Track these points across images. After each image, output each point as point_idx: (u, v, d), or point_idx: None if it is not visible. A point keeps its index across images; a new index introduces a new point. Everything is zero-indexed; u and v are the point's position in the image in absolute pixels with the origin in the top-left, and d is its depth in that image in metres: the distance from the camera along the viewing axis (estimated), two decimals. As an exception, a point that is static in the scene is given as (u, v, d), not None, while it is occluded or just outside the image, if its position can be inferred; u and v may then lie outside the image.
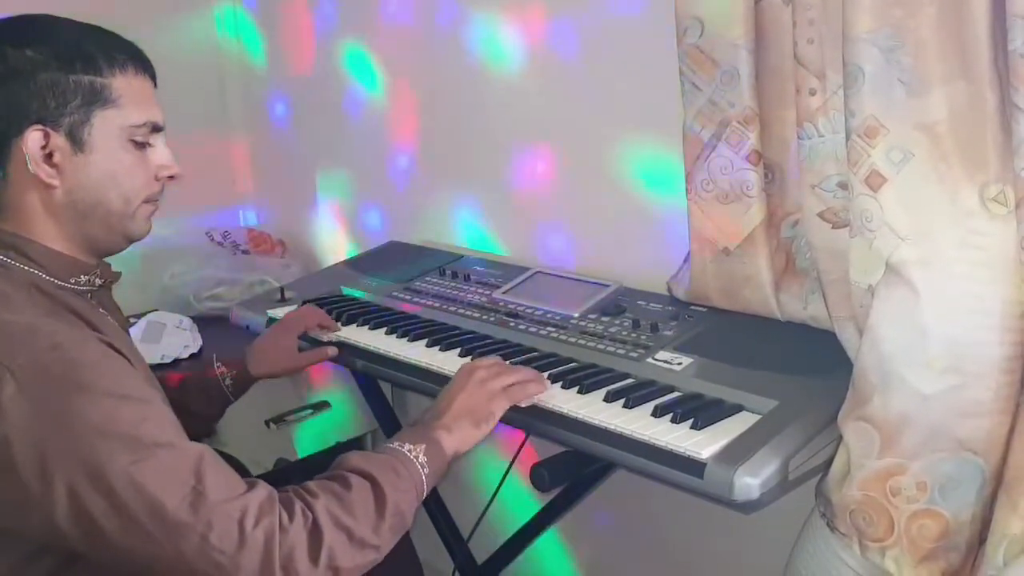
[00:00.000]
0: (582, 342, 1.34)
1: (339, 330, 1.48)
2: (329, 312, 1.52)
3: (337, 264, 1.90)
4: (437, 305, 1.56)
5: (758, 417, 1.07)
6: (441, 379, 1.23)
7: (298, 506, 0.89)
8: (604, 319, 1.40)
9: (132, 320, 1.79)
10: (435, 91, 1.89)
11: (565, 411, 1.13)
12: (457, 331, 1.44)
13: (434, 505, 1.75)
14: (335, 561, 0.88)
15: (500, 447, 1.74)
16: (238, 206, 2.44)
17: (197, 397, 1.35)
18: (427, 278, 1.68)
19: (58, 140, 0.96)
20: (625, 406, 1.12)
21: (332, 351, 1.42)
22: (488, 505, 1.51)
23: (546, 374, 1.22)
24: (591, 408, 1.13)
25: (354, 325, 1.51)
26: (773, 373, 1.15)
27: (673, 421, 1.07)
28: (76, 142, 0.97)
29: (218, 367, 1.37)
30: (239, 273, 2.10)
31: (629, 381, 1.21)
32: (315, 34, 2.14)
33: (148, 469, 0.84)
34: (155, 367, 1.65)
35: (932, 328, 0.96)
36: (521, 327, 1.42)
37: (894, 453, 1.00)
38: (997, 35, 0.90)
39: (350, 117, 2.10)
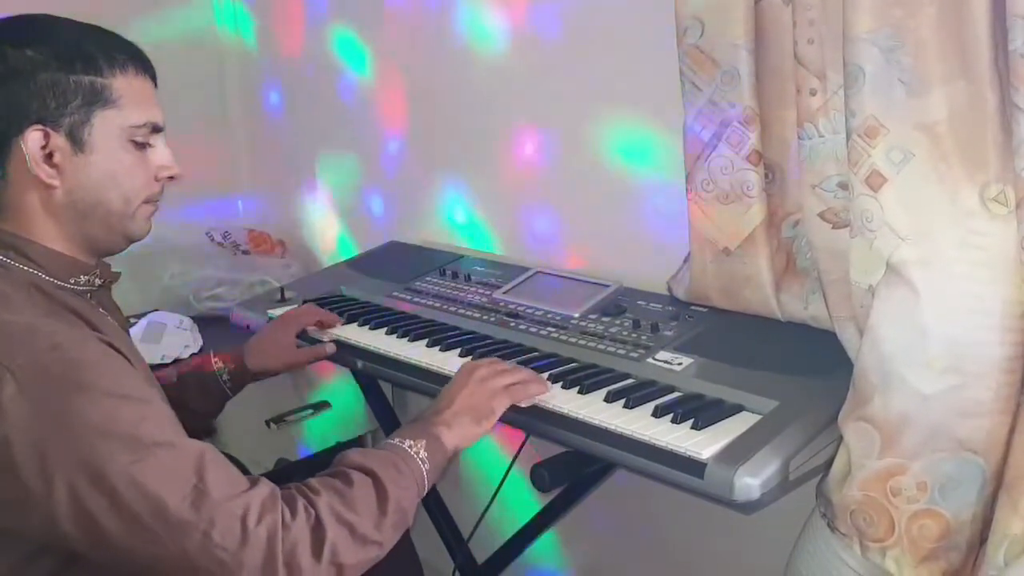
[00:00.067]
0: (582, 342, 1.34)
1: (341, 323, 1.47)
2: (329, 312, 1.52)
3: (337, 264, 1.90)
4: (437, 305, 1.56)
5: (759, 417, 1.07)
6: (441, 379, 1.24)
7: (300, 503, 0.89)
8: (604, 319, 1.40)
9: (132, 320, 1.79)
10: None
11: (566, 411, 1.13)
12: (457, 331, 1.44)
13: (434, 505, 1.75)
14: (338, 557, 0.88)
15: (501, 447, 1.74)
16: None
17: (195, 393, 1.35)
18: (427, 278, 1.68)
19: (58, 140, 0.96)
20: (625, 406, 1.12)
21: (331, 348, 1.42)
22: (488, 505, 1.51)
23: (546, 374, 1.22)
24: (592, 408, 1.13)
25: (354, 325, 1.51)
26: (773, 373, 1.15)
27: (673, 421, 1.07)
28: (76, 142, 0.97)
29: (216, 361, 1.36)
30: (239, 273, 2.09)
31: (629, 381, 1.21)
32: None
33: (149, 468, 0.84)
34: (155, 367, 1.65)
35: (932, 328, 0.96)
36: (521, 327, 1.42)
37: (894, 453, 1.00)
38: (997, 35, 0.90)
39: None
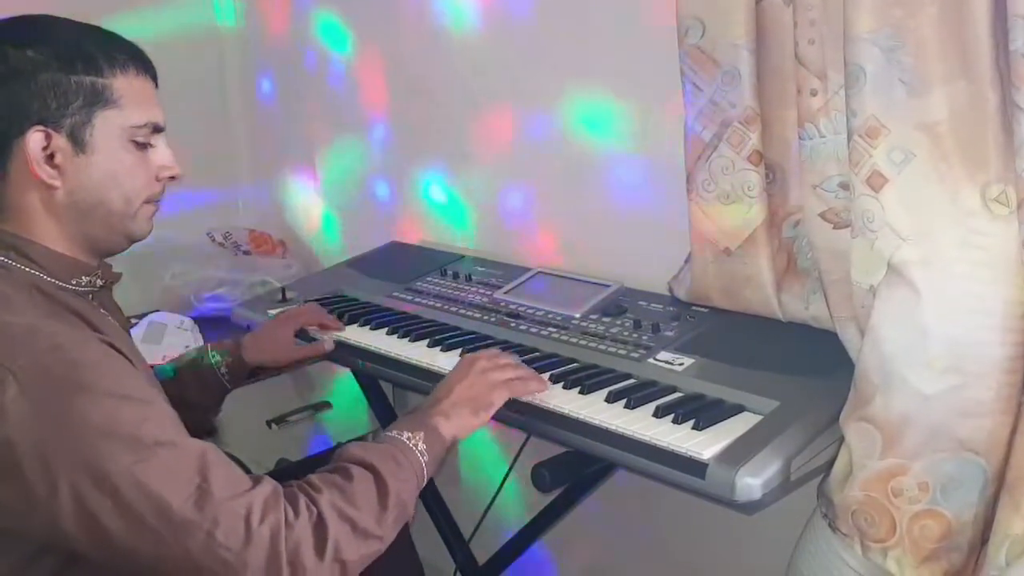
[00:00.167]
0: (583, 342, 1.34)
1: (342, 330, 1.48)
2: (330, 312, 1.52)
3: (338, 264, 1.90)
4: (438, 305, 1.56)
5: (760, 418, 1.07)
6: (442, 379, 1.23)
7: (302, 501, 0.89)
8: (605, 319, 1.40)
9: (133, 320, 1.79)
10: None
11: (566, 411, 1.13)
12: (458, 331, 1.44)
13: (435, 505, 1.75)
14: (340, 554, 0.88)
15: (501, 447, 1.74)
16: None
17: (194, 386, 1.34)
18: (428, 278, 1.68)
19: (59, 141, 0.96)
20: (627, 407, 1.12)
21: (329, 346, 1.42)
22: (489, 505, 1.51)
23: (547, 374, 1.22)
24: (592, 408, 1.13)
25: (355, 325, 1.51)
26: (774, 373, 1.15)
27: (675, 422, 1.07)
28: (77, 143, 0.96)
29: (213, 355, 1.36)
30: (240, 273, 2.09)
31: (631, 381, 1.21)
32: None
33: (152, 468, 0.84)
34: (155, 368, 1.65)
35: (933, 328, 0.96)
36: (522, 327, 1.42)
37: (896, 453, 1.00)
38: (998, 35, 0.90)
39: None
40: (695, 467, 0.99)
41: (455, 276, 1.67)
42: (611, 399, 1.14)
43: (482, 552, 1.71)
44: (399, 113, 1.98)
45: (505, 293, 1.55)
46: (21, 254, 0.97)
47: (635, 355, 1.27)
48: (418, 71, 1.89)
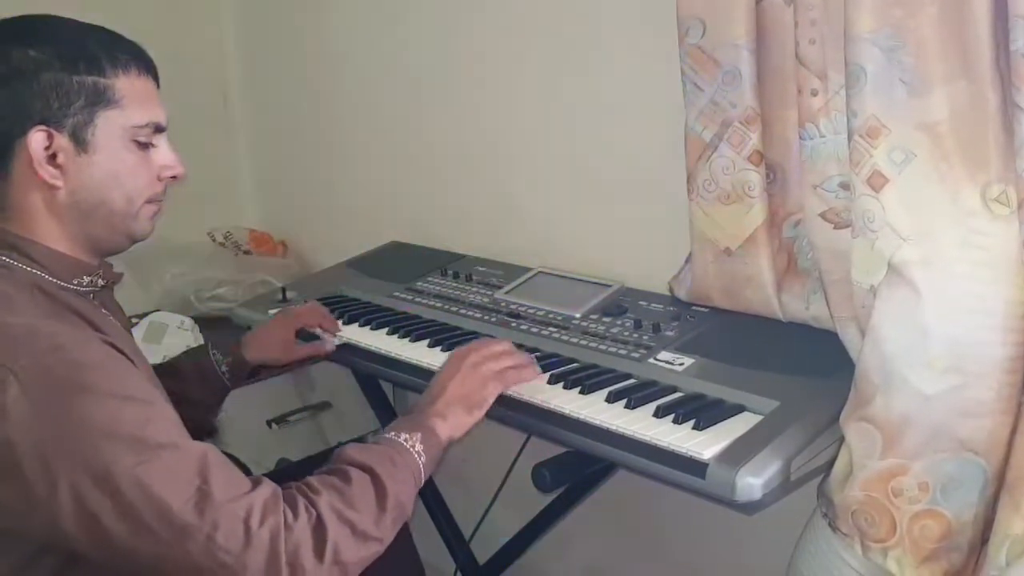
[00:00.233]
0: (584, 342, 1.34)
1: (339, 330, 1.48)
2: (331, 312, 1.52)
3: (338, 264, 1.90)
4: (439, 305, 1.56)
5: (760, 417, 1.07)
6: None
7: (302, 503, 0.89)
8: (606, 319, 1.40)
9: (134, 320, 1.79)
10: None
11: (567, 412, 1.13)
12: (459, 331, 1.44)
13: (436, 505, 1.75)
14: (340, 556, 0.88)
15: (501, 447, 1.74)
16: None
17: (194, 383, 1.34)
18: (428, 278, 1.68)
19: (62, 141, 0.96)
20: (627, 407, 1.12)
21: (330, 347, 1.42)
22: (490, 505, 1.51)
23: (548, 374, 1.22)
24: (593, 409, 1.13)
25: (356, 325, 1.51)
26: (775, 373, 1.15)
27: (675, 422, 1.07)
28: (80, 142, 0.96)
29: (214, 354, 1.37)
30: (241, 273, 2.10)
31: (631, 382, 1.21)
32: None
33: (153, 470, 0.84)
34: (156, 367, 1.65)
35: (934, 328, 0.96)
36: (523, 327, 1.42)
37: (896, 453, 1.00)
38: (998, 35, 0.90)
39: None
40: (695, 467, 0.99)
41: (455, 276, 1.67)
42: (611, 399, 1.14)
43: (483, 552, 1.71)
44: (400, 112, 1.98)
45: (506, 293, 1.55)
46: (23, 254, 0.97)
47: (635, 355, 1.27)
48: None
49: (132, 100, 0.99)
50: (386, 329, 1.47)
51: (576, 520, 1.70)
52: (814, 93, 1.09)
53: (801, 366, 1.17)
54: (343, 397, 1.99)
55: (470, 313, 1.50)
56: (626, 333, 1.34)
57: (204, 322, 1.96)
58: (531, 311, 1.47)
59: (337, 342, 1.44)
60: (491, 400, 1.11)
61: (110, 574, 0.91)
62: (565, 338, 1.36)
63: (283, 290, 1.71)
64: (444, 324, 1.48)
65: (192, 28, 2.29)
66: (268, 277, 2.08)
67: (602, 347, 1.31)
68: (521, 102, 1.73)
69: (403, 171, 2.02)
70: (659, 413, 1.09)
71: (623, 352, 1.29)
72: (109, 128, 0.98)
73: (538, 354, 1.32)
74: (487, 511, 1.51)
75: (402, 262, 1.81)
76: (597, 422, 1.10)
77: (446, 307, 1.54)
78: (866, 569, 1.05)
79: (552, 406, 1.15)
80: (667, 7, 1.24)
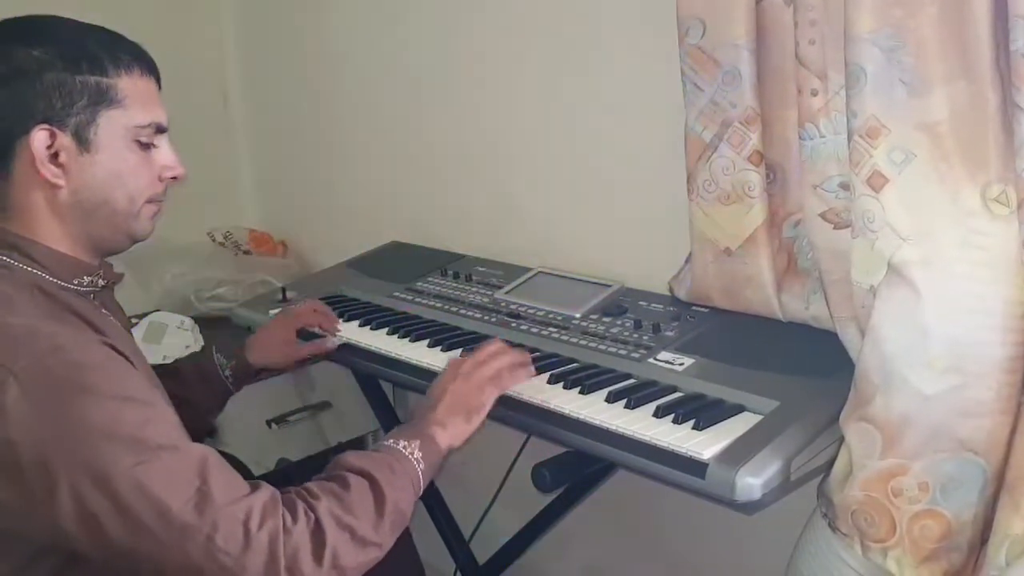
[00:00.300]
0: (584, 342, 1.34)
1: (339, 327, 1.48)
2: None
3: (338, 264, 1.90)
4: (439, 305, 1.56)
5: (760, 417, 1.07)
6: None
7: (301, 507, 0.89)
8: (606, 319, 1.40)
9: (134, 320, 1.79)
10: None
11: (567, 412, 1.13)
12: (459, 331, 1.44)
13: (436, 506, 1.75)
14: (339, 561, 0.88)
15: (501, 448, 1.74)
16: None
17: (197, 387, 1.35)
18: (428, 278, 1.68)
19: (64, 140, 0.96)
20: (627, 407, 1.12)
21: (332, 345, 1.42)
22: (490, 505, 1.51)
23: (547, 374, 1.22)
24: (593, 409, 1.13)
25: (355, 325, 1.51)
26: (775, 373, 1.15)
27: (675, 422, 1.07)
28: (82, 142, 0.97)
29: (218, 358, 1.37)
30: (241, 273, 2.10)
31: (631, 382, 1.21)
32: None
33: (153, 471, 0.84)
34: (156, 367, 1.65)
35: (934, 328, 0.96)
36: (523, 327, 1.42)
37: (896, 453, 1.00)
38: (998, 35, 0.91)
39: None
40: (695, 467, 0.99)
41: (455, 276, 1.67)
42: (611, 399, 1.14)
43: (483, 552, 1.71)
44: (400, 112, 1.98)
45: (506, 293, 1.55)
46: (23, 254, 0.97)
47: (635, 355, 1.27)
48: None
49: (134, 100, 0.99)
50: (386, 329, 1.47)
51: (576, 520, 1.70)
52: (814, 93, 1.09)
53: (801, 366, 1.17)
54: (343, 397, 1.99)
55: (470, 313, 1.50)
56: (626, 333, 1.34)
57: (204, 322, 1.96)
58: (531, 311, 1.47)
59: (337, 341, 1.44)
60: (489, 405, 1.12)
61: (110, 575, 0.91)
62: (565, 338, 1.36)
63: (283, 290, 1.71)
64: (444, 324, 1.48)
65: (192, 28, 2.29)
66: (268, 277, 2.08)
67: (602, 347, 1.31)
68: (521, 102, 1.73)
69: (403, 171, 2.02)
70: (659, 413, 1.09)
71: (623, 352, 1.29)
72: (111, 128, 0.98)
73: (538, 354, 1.32)
74: (487, 511, 1.51)
75: (402, 262, 1.81)
76: (597, 422, 1.10)
77: (446, 307, 1.54)
78: (866, 569, 1.05)
79: (552, 406, 1.15)
80: (667, 7, 1.24)
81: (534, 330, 1.40)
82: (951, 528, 0.99)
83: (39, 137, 0.95)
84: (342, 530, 0.90)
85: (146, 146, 1.01)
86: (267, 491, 0.89)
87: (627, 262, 1.56)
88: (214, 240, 2.22)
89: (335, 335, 1.46)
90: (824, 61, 1.08)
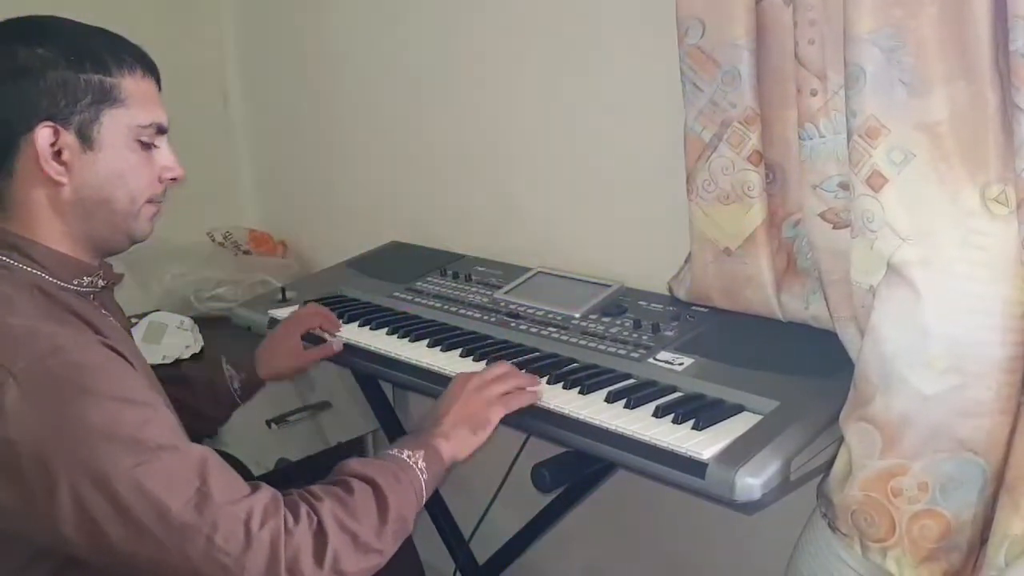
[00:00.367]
0: (583, 342, 1.34)
1: (340, 329, 1.48)
2: (330, 312, 1.52)
3: (338, 264, 1.90)
4: (438, 305, 1.56)
5: (759, 417, 1.07)
6: (443, 379, 1.23)
7: (303, 508, 0.89)
8: (605, 319, 1.40)
9: (134, 320, 1.79)
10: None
11: (566, 412, 1.13)
12: (458, 331, 1.44)
13: (435, 505, 1.75)
14: (340, 564, 0.88)
15: (501, 448, 1.74)
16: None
17: (205, 399, 1.36)
18: (428, 278, 1.68)
19: (68, 138, 0.96)
20: (626, 407, 1.12)
21: (337, 346, 1.43)
22: (489, 505, 1.51)
23: (547, 375, 1.22)
24: (592, 408, 1.13)
25: (355, 325, 1.51)
26: (774, 373, 1.15)
27: (674, 422, 1.07)
28: (85, 140, 0.97)
29: (227, 369, 1.37)
30: (240, 273, 2.10)
31: (630, 381, 1.21)
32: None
33: (152, 472, 0.84)
34: (156, 367, 1.65)
35: (933, 328, 0.96)
36: (522, 327, 1.42)
37: (895, 453, 1.00)
38: (998, 35, 0.90)
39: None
40: (695, 467, 0.99)
41: (455, 276, 1.67)
42: (611, 399, 1.14)
43: (482, 552, 1.71)
44: (400, 112, 1.98)
45: (505, 293, 1.55)
46: (23, 254, 0.97)
47: (635, 355, 1.27)
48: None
49: (136, 100, 1.00)
50: (386, 329, 1.47)
51: (576, 520, 1.70)
52: (813, 93, 1.09)
53: (801, 366, 1.17)
54: (343, 397, 1.99)
55: (470, 313, 1.50)
56: (625, 333, 1.34)
57: (204, 322, 1.96)
58: (531, 311, 1.47)
59: (341, 340, 1.45)
60: (495, 422, 1.12)
61: (109, 576, 0.91)
62: (565, 338, 1.36)
63: (283, 290, 1.71)
64: (444, 324, 1.48)
65: (192, 28, 2.29)
66: (268, 277, 2.08)
67: (602, 347, 1.31)
68: (521, 102, 1.73)
69: (403, 171, 2.02)
70: (658, 413, 1.09)
71: (623, 352, 1.29)
72: (114, 127, 0.98)
73: (537, 354, 1.32)
74: (487, 511, 1.50)
75: (402, 262, 1.81)
76: (597, 422, 1.10)
77: (446, 307, 1.54)
78: (865, 569, 1.05)
79: (552, 406, 1.15)
80: (667, 7, 1.24)
81: (533, 330, 1.40)
82: (951, 528, 0.99)
83: (43, 134, 0.95)
84: (344, 533, 0.89)
85: (147, 146, 1.02)
86: (268, 492, 0.89)
87: (627, 262, 1.56)
88: (214, 240, 2.22)
89: (335, 334, 1.46)
90: (823, 61, 1.08)
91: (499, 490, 1.50)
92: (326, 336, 1.46)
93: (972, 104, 0.93)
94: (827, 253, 1.12)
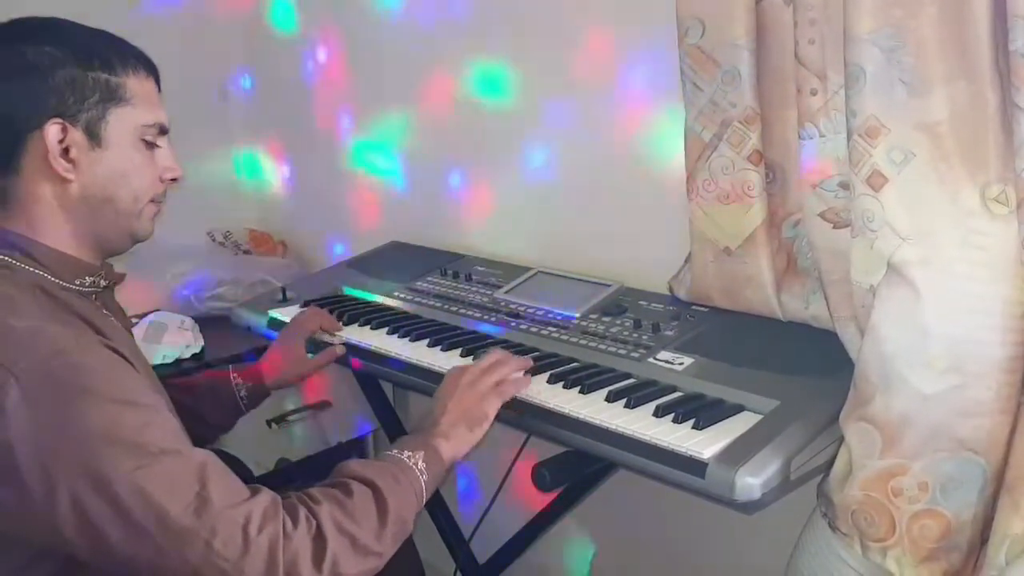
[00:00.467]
0: (583, 342, 1.34)
1: (341, 330, 1.48)
2: (331, 312, 1.52)
3: (338, 264, 1.91)
4: (438, 305, 1.56)
5: (760, 417, 1.08)
6: (442, 379, 1.23)
7: (302, 512, 0.89)
8: (605, 319, 1.40)
9: (134, 320, 1.78)
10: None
11: (567, 411, 1.13)
12: (458, 331, 1.44)
13: (435, 505, 1.75)
14: (339, 568, 0.88)
15: (502, 447, 1.74)
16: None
17: (211, 406, 1.35)
18: (428, 278, 1.68)
19: (75, 135, 0.97)
20: (627, 406, 1.12)
21: (340, 350, 1.43)
22: (490, 505, 1.51)
23: (547, 374, 1.22)
24: (593, 408, 1.13)
25: (355, 325, 1.51)
26: (774, 373, 1.15)
27: (675, 421, 1.07)
28: (93, 137, 0.97)
29: (235, 377, 1.37)
30: (241, 273, 2.10)
31: (631, 381, 1.21)
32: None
33: (152, 475, 0.84)
34: (156, 367, 1.65)
35: (933, 328, 0.96)
36: (522, 327, 1.42)
37: (895, 453, 1.00)
38: (998, 35, 0.91)
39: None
40: (695, 466, 0.99)
41: (455, 276, 1.67)
42: (611, 399, 1.14)
43: (483, 552, 1.71)
44: (405, 111, 1.98)
45: (505, 293, 1.55)
46: (25, 254, 0.97)
47: (635, 355, 1.27)
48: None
49: (141, 100, 1.01)
50: (386, 329, 1.47)
51: (576, 520, 1.70)
52: (813, 93, 1.09)
53: (801, 366, 1.17)
54: (343, 397, 1.99)
55: (470, 313, 1.51)
56: (625, 333, 1.34)
57: (204, 322, 1.96)
58: (530, 311, 1.47)
59: (340, 339, 1.45)
60: (492, 415, 1.12)
61: (107, 578, 0.91)
62: (565, 338, 1.36)
63: (283, 290, 1.71)
64: (444, 324, 1.48)
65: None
66: (268, 277, 2.08)
67: (602, 347, 1.31)
68: (520, 101, 1.73)
69: (403, 171, 2.02)
70: (659, 413, 1.09)
71: (623, 352, 1.29)
72: (120, 125, 0.99)
73: (537, 354, 1.32)
74: (487, 510, 1.51)
75: (402, 262, 1.81)
76: (597, 422, 1.10)
77: (446, 307, 1.54)
78: (865, 569, 1.05)
79: (552, 406, 1.15)
80: (667, 7, 1.24)
81: (533, 330, 1.40)
82: (951, 528, 0.99)
83: (52, 131, 0.95)
84: (343, 536, 0.89)
85: (151, 146, 1.03)
86: (267, 496, 0.89)
87: (627, 262, 1.56)
88: (214, 240, 2.22)
89: (335, 334, 1.46)
90: (823, 61, 1.08)
91: (500, 490, 1.50)
92: (328, 339, 1.45)
93: (972, 104, 0.93)
94: (827, 253, 1.12)
